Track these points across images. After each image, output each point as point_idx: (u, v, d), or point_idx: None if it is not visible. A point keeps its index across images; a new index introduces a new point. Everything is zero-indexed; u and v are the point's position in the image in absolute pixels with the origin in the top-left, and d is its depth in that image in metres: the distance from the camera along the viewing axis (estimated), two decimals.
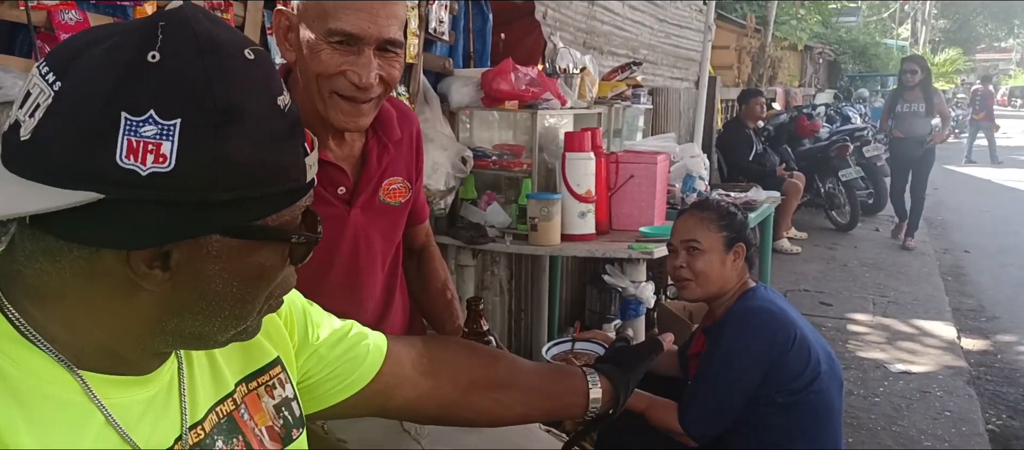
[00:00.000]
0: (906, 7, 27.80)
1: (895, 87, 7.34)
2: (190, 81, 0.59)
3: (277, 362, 0.87)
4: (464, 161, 2.93)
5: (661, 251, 2.85)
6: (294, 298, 0.94)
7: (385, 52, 1.25)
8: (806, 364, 1.83)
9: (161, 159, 0.58)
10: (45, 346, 0.64)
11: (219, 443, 0.76)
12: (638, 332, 2.87)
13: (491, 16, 3.28)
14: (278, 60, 2.17)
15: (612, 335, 2.29)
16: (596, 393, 1.09)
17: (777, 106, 8.74)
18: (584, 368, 1.14)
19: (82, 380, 0.65)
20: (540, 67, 3.24)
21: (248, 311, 0.71)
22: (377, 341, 1.01)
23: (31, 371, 0.63)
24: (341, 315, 1.44)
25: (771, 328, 1.83)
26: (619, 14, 4.50)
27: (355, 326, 1.01)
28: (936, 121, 6.50)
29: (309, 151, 0.69)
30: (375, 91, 1.26)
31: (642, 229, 3.01)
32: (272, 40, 2.17)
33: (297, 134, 0.67)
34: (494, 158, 3.06)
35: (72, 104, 0.59)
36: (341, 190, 1.38)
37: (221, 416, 0.78)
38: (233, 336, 0.73)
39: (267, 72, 0.66)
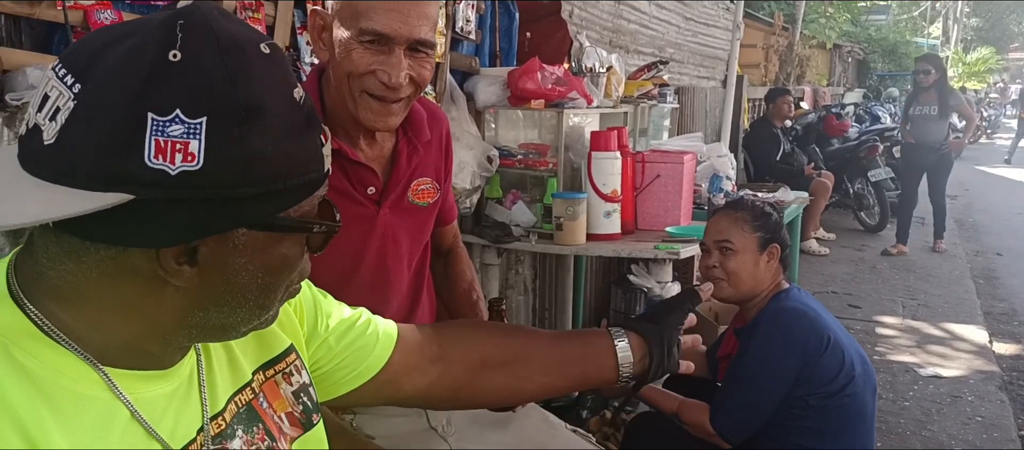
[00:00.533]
0: (937, 5, 27.32)
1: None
2: (213, 79, 0.60)
3: (292, 349, 0.88)
4: (490, 160, 2.94)
5: (688, 251, 2.83)
6: (304, 287, 0.93)
7: (416, 52, 1.26)
8: (840, 367, 1.81)
9: (190, 158, 0.59)
10: (69, 344, 0.64)
11: (240, 432, 0.77)
12: None
13: (517, 15, 3.28)
14: (307, 60, 2.19)
15: None
16: (625, 349, 1.02)
17: (805, 105, 8.63)
18: (609, 328, 1.06)
19: (107, 376, 0.65)
20: (566, 66, 3.24)
21: (271, 301, 0.72)
22: (387, 329, 1.00)
23: (56, 369, 0.63)
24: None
25: (804, 330, 1.81)
26: (646, 13, 4.48)
27: (364, 314, 1.00)
28: (954, 123, 6.28)
29: (324, 142, 0.70)
30: (405, 91, 1.27)
31: (668, 229, 2.99)
32: (302, 39, 2.19)
33: (313, 126, 0.68)
34: (520, 157, 3.06)
35: (97, 107, 0.59)
36: (371, 190, 1.39)
37: (240, 406, 0.79)
38: (255, 326, 0.74)
39: (283, 66, 0.66)
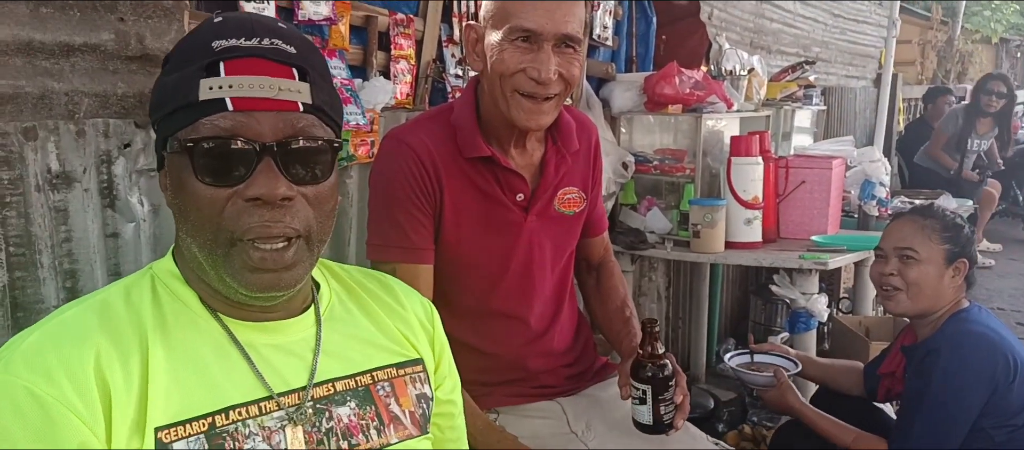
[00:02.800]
0: None
1: None
2: (183, 40, 0.85)
3: (421, 362, 0.97)
4: (625, 166, 2.93)
5: (837, 262, 2.69)
6: (438, 330, 1.06)
7: (564, 49, 1.29)
8: None
9: (156, 91, 0.83)
10: (193, 285, 0.84)
11: (352, 403, 0.87)
12: (808, 347, 2.72)
13: (655, 19, 3.25)
14: (452, 71, 2.28)
15: (790, 348, 2.20)
16: None
17: None
18: None
19: (217, 316, 0.83)
20: (704, 69, 3.17)
21: (196, 236, 0.80)
22: (460, 435, 1.09)
23: (181, 299, 0.83)
24: (511, 317, 1.50)
25: (992, 356, 1.65)
26: (790, 11, 4.29)
27: (458, 406, 1.08)
28: None
29: (240, 68, 0.78)
30: (554, 88, 1.30)
31: (814, 238, 2.85)
32: (447, 52, 2.28)
33: (207, 59, 0.79)
34: (655, 163, 3.03)
35: None
36: (519, 196, 1.43)
37: (359, 385, 0.88)
38: (229, 286, 0.81)
39: (203, 26, 0.84)
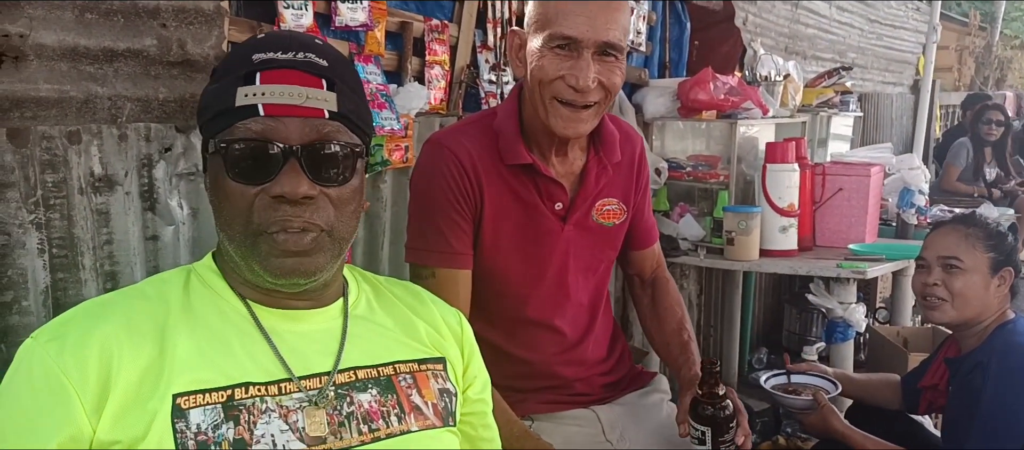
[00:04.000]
0: None
1: None
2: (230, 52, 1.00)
3: (442, 360, 0.99)
4: (658, 172, 2.90)
5: (876, 270, 2.63)
6: (469, 335, 1.08)
7: (605, 57, 1.27)
8: None
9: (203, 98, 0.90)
10: (228, 279, 0.90)
11: (373, 391, 0.90)
12: (845, 358, 2.67)
13: (689, 24, 3.22)
14: (485, 77, 2.28)
15: (827, 367, 2.14)
16: None
17: (1010, 110, 7.75)
18: None
19: (248, 304, 0.89)
20: (739, 75, 3.13)
21: (226, 229, 0.86)
22: (493, 434, 1.09)
23: (213, 289, 0.90)
24: (546, 325, 1.49)
25: None
26: (825, 16, 4.23)
27: (489, 405, 1.09)
28: None
29: (249, 87, 0.85)
30: (593, 96, 1.28)
31: (851, 246, 2.80)
32: (481, 58, 2.28)
33: (245, 69, 0.85)
34: (689, 169, 3.00)
35: None
36: (558, 206, 1.41)
37: (380, 374, 0.92)
38: (257, 274, 0.87)
39: (244, 43, 0.93)
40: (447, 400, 0.96)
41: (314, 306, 0.92)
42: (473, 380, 1.05)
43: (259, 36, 0.92)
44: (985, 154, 5.25)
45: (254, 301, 0.89)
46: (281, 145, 0.83)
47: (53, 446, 0.76)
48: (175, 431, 0.77)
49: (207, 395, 0.80)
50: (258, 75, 0.84)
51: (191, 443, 0.77)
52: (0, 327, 1.39)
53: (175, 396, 0.79)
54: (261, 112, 0.83)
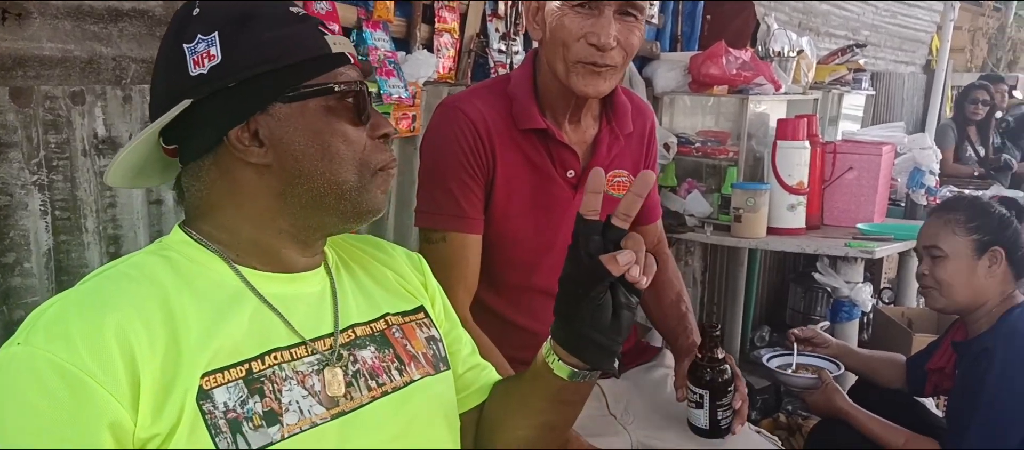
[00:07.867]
0: None
1: None
2: (219, 8, 0.82)
3: (421, 309, 1.01)
4: (667, 147, 2.87)
5: (884, 250, 2.62)
6: (439, 295, 1.07)
7: (625, 16, 1.25)
8: None
9: (212, 57, 0.81)
10: (210, 246, 0.85)
11: (372, 348, 0.90)
12: (849, 337, 2.65)
13: None
14: (495, 46, 2.24)
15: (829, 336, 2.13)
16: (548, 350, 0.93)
17: (1019, 94, 7.66)
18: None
19: (238, 271, 0.84)
20: (750, 49, 3.09)
21: (338, 171, 0.84)
22: (486, 380, 1.06)
23: (199, 262, 0.84)
24: (554, 295, 1.46)
25: None
26: None
27: (477, 358, 1.08)
28: None
29: (326, 31, 0.85)
30: (614, 57, 1.26)
31: (859, 226, 2.77)
32: (491, 26, 2.24)
33: (309, 21, 0.85)
34: (697, 145, 2.96)
35: (158, 60, 0.86)
36: (570, 173, 1.39)
37: (374, 331, 0.92)
38: (346, 212, 0.86)
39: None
40: (435, 347, 0.98)
41: (305, 268, 0.90)
42: (440, 321, 1.05)
43: None
44: (969, 133, 5.21)
45: (248, 266, 0.85)
46: (370, 91, 0.89)
47: (105, 447, 0.71)
48: (203, 413, 0.74)
49: (227, 372, 0.77)
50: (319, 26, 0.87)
51: (222, 422, 0.75)
52: (2, 289, 1.38)
53: (202, 375, 0.75)
54: (351, 61, 0.87)
